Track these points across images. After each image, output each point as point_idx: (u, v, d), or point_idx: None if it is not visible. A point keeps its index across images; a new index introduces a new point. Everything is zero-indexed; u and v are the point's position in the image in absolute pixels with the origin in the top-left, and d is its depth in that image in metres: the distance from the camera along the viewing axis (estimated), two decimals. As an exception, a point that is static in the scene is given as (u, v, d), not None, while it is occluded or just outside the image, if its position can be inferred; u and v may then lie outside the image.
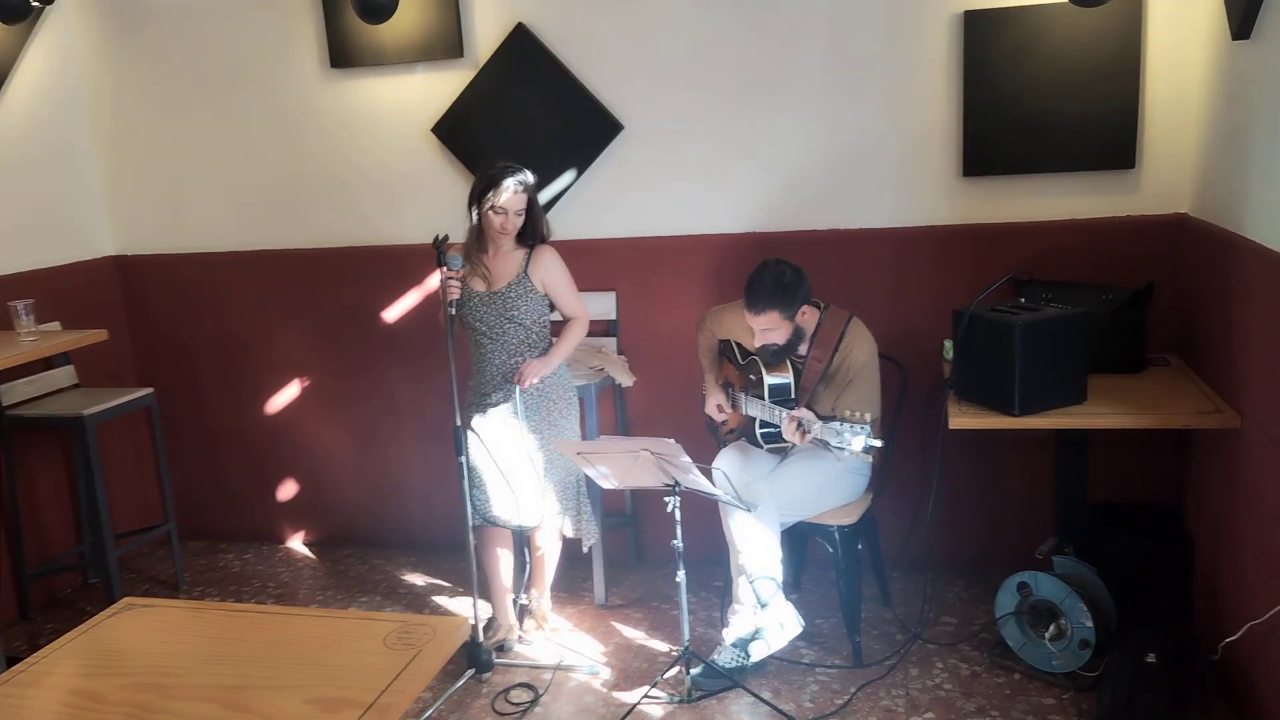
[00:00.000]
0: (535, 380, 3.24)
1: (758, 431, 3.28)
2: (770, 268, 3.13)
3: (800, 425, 2.96)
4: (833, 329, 3.23)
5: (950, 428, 3.01)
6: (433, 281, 4.09)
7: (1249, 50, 2.81)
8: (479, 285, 3.29)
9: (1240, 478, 2.84)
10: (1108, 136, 3.42)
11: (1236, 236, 2.85)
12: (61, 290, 4.13)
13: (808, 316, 3.21)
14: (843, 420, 2.83)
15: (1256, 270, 2.70)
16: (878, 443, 2.84)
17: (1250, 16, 2.72)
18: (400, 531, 4.42)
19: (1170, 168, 3.42)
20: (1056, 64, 3.40)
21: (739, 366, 3.38)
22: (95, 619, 2.09)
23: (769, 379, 3.24)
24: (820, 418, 2.97)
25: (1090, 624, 3.02)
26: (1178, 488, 3.54)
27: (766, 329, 3.14)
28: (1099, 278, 3.41)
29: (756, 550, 3.09)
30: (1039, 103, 3.44)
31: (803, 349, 3.25)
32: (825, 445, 2.91)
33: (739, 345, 3.39)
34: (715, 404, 3.40)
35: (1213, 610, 3.06)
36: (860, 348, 3.19)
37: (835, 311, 3.27)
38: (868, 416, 2.83)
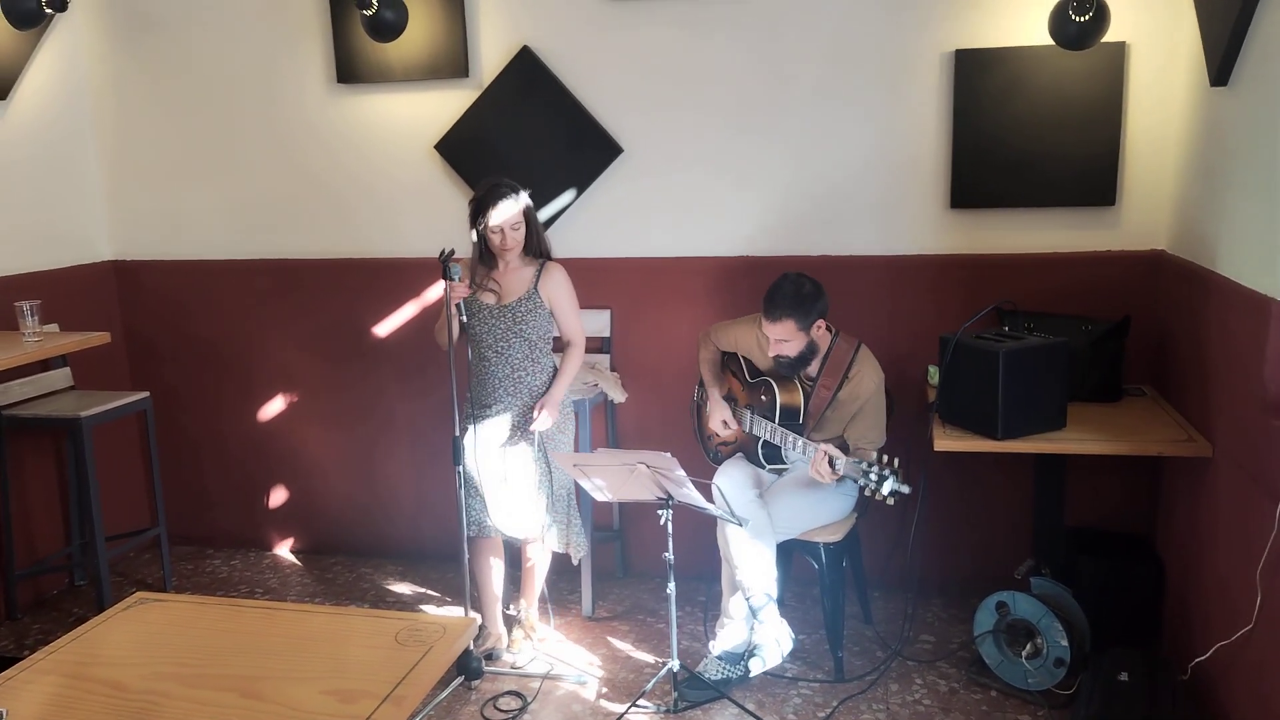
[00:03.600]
0: (553, 420, 3.35)
1: (760, 451, 3.36)
2: (791, 279, 3.21)
3: (831, 463, 3.03)
4: (842, 356, 3.28)
5: (935, 449, 3.11)
6: (431, 295, 4.17)
7: (1226, 96, 2.96)
8: (489, 299, 3.37)
9: (1210, 504, 2.96)
10: (1090, 174, 3.56)
11: (1210, 273, 2.99)
12: (59, 293, 4.17)
13: (821, 334, 3.27)
14: (869, 464, 2.93)
15: (1228, 305, 2.83)
16: (906, 489, 2.92)
17: (1228, 64, 2.87)
18: (388, 541, 4.46)
19: (1149, 206, 3.57)
20: (1043, 103, 3.54)
21: (746, 384, 3.45)
22: (109, 611, 2.14)
23: (781, 400, 3.31)
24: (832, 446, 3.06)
25: (1065, 643, 3.12)
26: (1149, 514, 3.66)
27: (781, 339, 3.19)
28: (1079, 310, 3.54)
29: (754, 567, 3.17)
30: (1025, 140, 3.58)
31: (813, 369, 3.31)
32: (849, 479, 3.02)
33: (748, 361, 3.47)
34: (721, 419, 3.44)
35: (1183, 631, 3.17)
36: (869, 377, 3.26)
37: (846, 338, 3.32)
38: (891, 459, 2.93)
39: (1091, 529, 3.67)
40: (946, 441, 3.10)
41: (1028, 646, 3.19)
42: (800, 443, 3.17)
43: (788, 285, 3.19)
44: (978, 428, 3.11)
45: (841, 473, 3.01)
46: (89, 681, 1.87)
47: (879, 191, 3.77)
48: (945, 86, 3.65)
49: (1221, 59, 2.88)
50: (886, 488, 2.90)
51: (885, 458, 2.95)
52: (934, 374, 3.51)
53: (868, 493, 2.94)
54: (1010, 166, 3.61)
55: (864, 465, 2.94)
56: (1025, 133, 3.58)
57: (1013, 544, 3.77)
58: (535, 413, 3.34)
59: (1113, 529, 3.68)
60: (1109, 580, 3.36)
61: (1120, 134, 3.53)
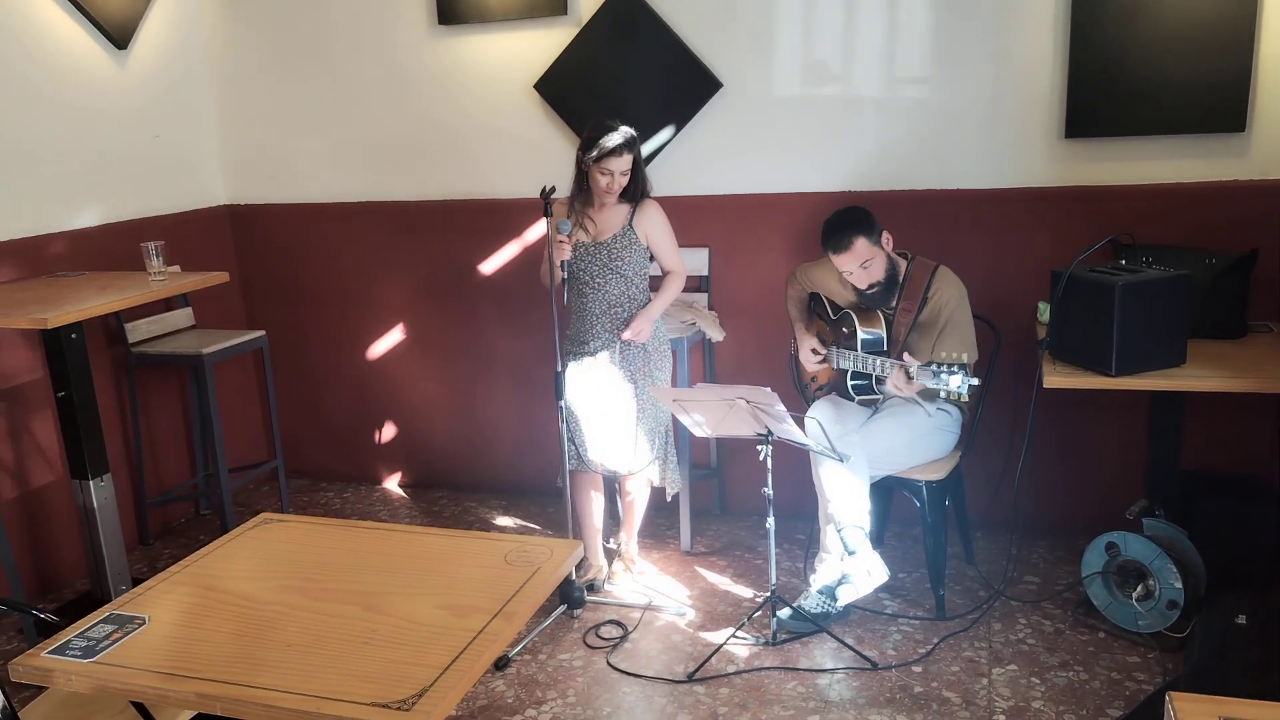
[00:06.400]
0: (646, 335, 3.36)
1: (849, 384, 3.34)
2: (836, 212, 3.27)
3: (906, 372, 3.03)
4: (920, 278, 3.29)
5: (1045, 387, 3.03)
6: (532, 234, 4.21)
7: (1372, 10, 2.75)
8: (584, 236, 3.40)
9: (1342, 444, 2.82)
10: (1217, 99, 3.37)
11: (1350, 201, 2.82)
12: (178, 236, 4.34)
13: (895, 255, 3.28)
14: (939, 364, 2.89)
15: (1370, 234, 2.67)
16: (975, 381, 2.90)
17: (1376, -25, 2.67)
18: (492, 476, 4.58)
19: (1281, 132, 3.37)
20: (1166, 25, 3.36)
21: (830, 321, 3.44)
22: (237, 530, 2.26)
23: (862, 332, 3.30)
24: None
25: (1179, 585, 3.04)
26: (1273, 456, 3.51)
27: (864, 263, 3.20)
28: (1202, 243, 3.38)
29: (847, 499, 3.17)
30: (1146, 64, 3.40)
31: (892, 300, 3.31)
32: (924, 390, 2.99)
33: (830, 301, 3.45)
34: (809, 348, 3.46)
35: (1306, 577, 3.05)
36: (948, 291, 3.25)
37: (921, 262, 3.32)
38: (964, 357, 2.90)
39: (1208, 471, 3.54)
40: (1057, 379, 3.01)
41: (1139, 588, 3.12)
42: (878, 362, 3.18)
43: (836, 216, 3.26)
44: (1090, 364, 3.01)
45: (918, 381, 3.00)
46: (220, 593, 1.98)
47: (988, 122, 3.64)
48: (1062, 8, 3.48)
49: (1369, -32, 2.68)
50: (954, 383, 2.87)
51: (953, 355, 2.93)
52: (1044, 311, 3.40)
53: (943, 394, 2.92)
54: (1131, 93, 3.44)
55: (933, 368, 2.92)
56: (1148, 56, 3.40)
57: (1122, 486, 3.66)
58: (633, 324, 3.36)
59: (1230, 471, 3.54)
60: (1227, 522, 3.24)
61: (1252, 55, 3.33)
